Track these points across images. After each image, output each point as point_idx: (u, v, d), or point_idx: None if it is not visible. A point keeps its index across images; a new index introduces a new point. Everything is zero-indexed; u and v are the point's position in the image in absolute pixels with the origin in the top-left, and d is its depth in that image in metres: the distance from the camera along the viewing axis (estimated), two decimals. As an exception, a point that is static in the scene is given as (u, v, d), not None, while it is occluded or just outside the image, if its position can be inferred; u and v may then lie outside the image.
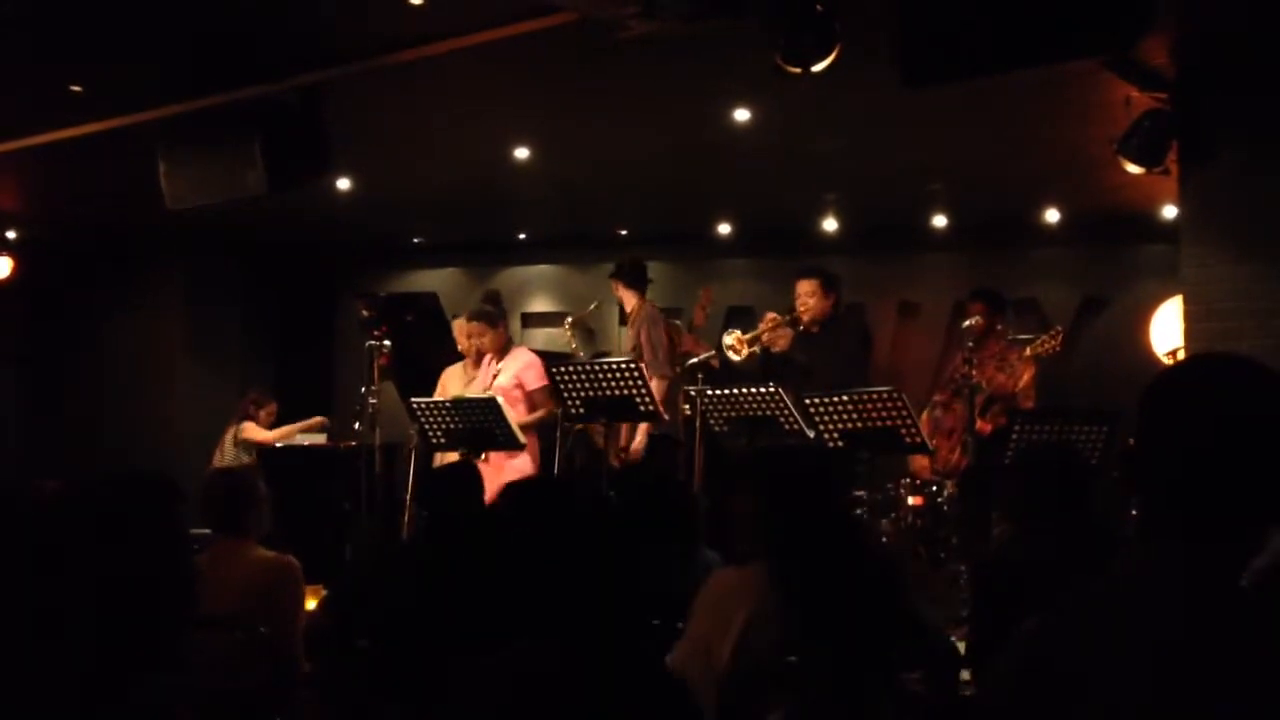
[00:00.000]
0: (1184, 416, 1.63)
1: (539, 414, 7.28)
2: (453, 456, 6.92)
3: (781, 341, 7.04)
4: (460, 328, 7.95)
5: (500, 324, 7.54)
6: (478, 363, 7.72)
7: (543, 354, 7.93)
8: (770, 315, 7.22)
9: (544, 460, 7.42)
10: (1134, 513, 6.51)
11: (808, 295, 7.14)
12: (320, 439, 9.71)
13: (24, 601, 1.98)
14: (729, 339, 7.15)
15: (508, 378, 7.28)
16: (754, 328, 7.24)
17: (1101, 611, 1.58)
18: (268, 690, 4.08)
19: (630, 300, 7.66)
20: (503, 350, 7.48)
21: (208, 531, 4.34)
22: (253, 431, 9.56)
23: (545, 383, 6.97)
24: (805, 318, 7.11)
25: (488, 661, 1.90)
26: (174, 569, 2.00)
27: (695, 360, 7.15)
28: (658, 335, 7.47)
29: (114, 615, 1.89)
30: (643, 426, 7.34)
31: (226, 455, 9.48)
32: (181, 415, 10.99)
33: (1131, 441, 1.72)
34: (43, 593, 1.95)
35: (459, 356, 8.03)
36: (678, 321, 9.83)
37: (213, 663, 3.92)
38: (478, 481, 4.59)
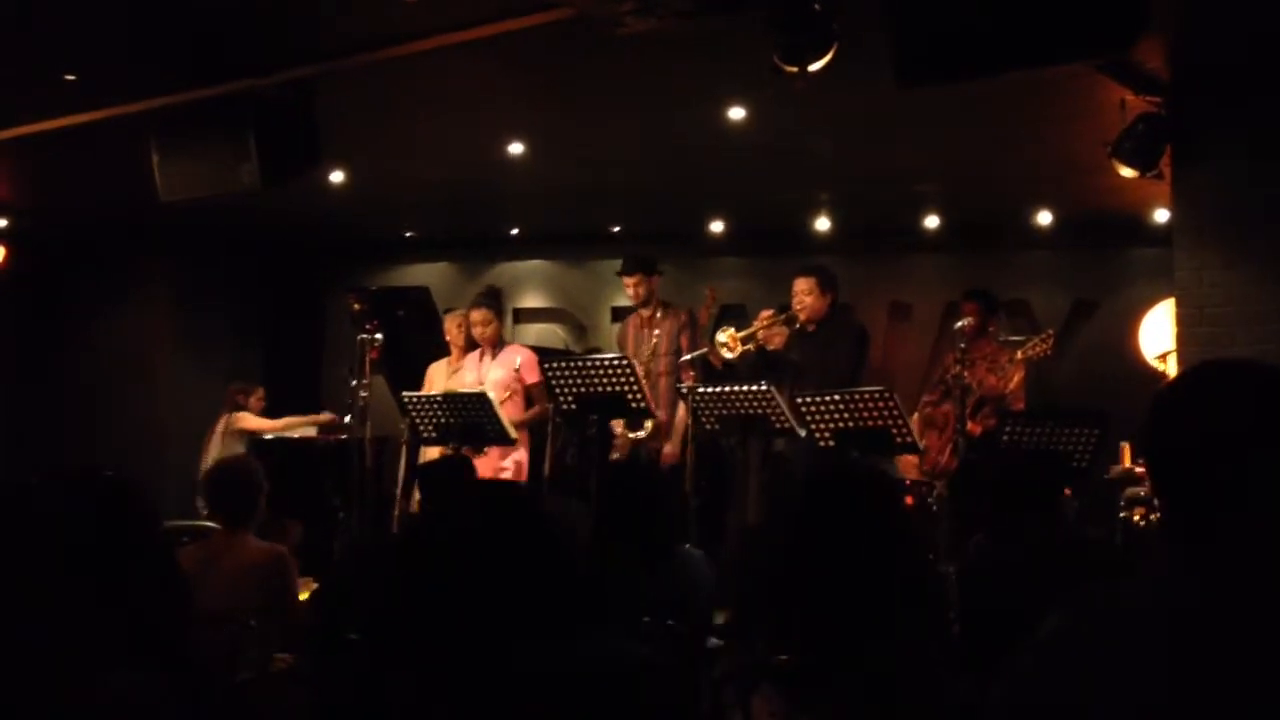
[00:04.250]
0: (1203, 422, 1.63)
1: (535, 410, 7.28)
2: (434, 452, 6.92)
3: (777, 339, 7.03)
4: (455, 319, 7.93)
5: (502, 315, 7.57)
6: (462, 357, 7.71)
7: (538, 350, 7.94)
8: (766, 313, 7.21)
9: (535, 457, 7.42)
10: (1123, 514, 6.54)
11: (804, 293, 7.13)
12: (310, 432, 9.70)
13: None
14: (722, 336, 7.12)
15: (505, 371, 7.26)
16: (748, 325, 7.23)
17: (1124, 615, 1.59)
18: (256, 683, 4.08)
19: (656, 300, 7.65)
20: (497, 345, 7.48)
21: (198, 524, 4.36)
22: (249, 421, 9.52)
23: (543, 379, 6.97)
24: (802, 316, 7.10)
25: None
26: (148, 566, 1.99)
27: (689, 357, 7.14)
28: (699, 347, 7.47)
29: (88, 610, 1.89)
30: (678, 430, 7.29)
31: (215, 447, 9.43)
32: (169, 408, 10.96)
33: (1137, 444, 1.75)
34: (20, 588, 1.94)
35: (447, 351, 8.02)
36: None
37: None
38: (471, 474, 4.59)
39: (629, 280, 7.67)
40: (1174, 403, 1.69)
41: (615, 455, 7.28)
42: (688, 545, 4.48)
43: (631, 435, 7.24)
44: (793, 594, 2.34)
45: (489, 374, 7.36)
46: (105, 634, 1.91)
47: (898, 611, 2.25)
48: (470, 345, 7.71)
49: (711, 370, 7.23)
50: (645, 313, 7.68)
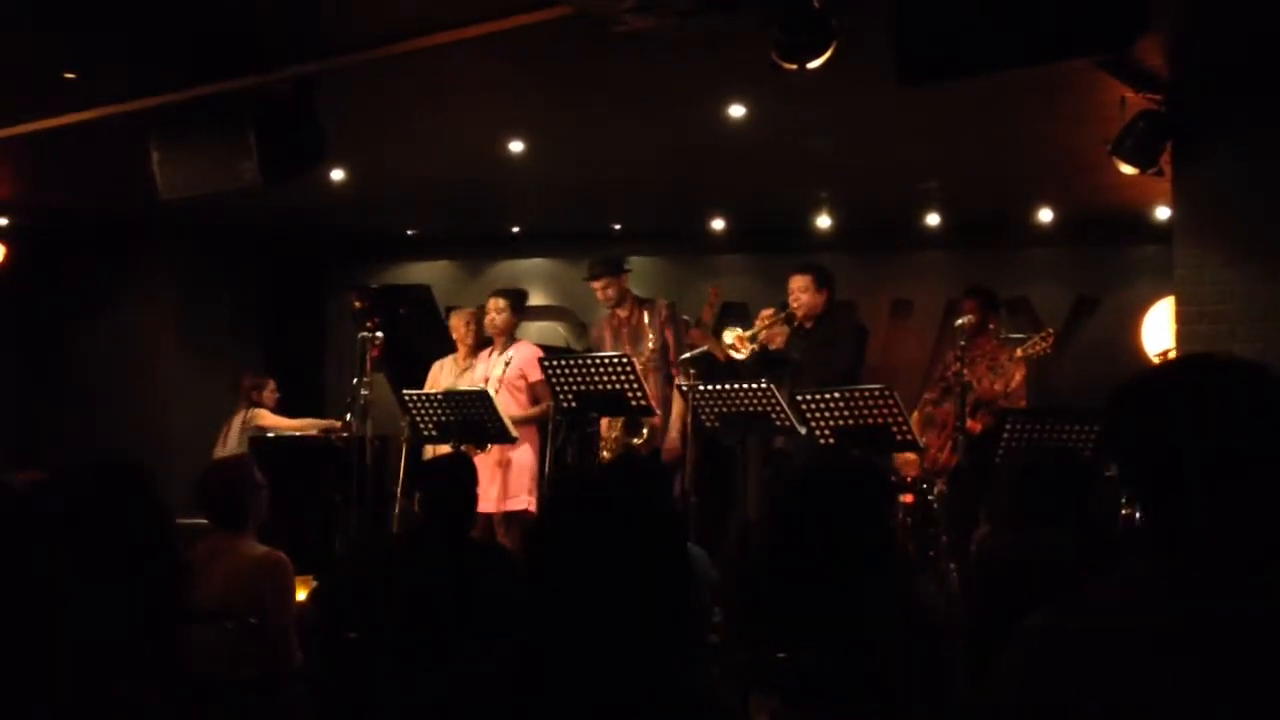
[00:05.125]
0: (1171, 419, 1.61)
1: (540, 408, 7.27)
2: (444, 449, 6.92)
3: (778, 339, 7.04)
4: (462, 316, 7.94)
5: (517, 311, 7.55)
6: (472, 354, 7.70)
7: (542, 348, 7.93)
8: (766, 312, 7.21)
9: (539, 454, 7.41)
10: (1124, 511, 6.54)
11: (801, 291, 7.14)
12: (312, 430, 9.70)
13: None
14: (729, 337, 7.13)
15: (513, 368, 7.27)
16: (750, 325, 7.24)
17: (1105, 616, 1.58)
18: (259, 681, 4.08)
19: (629, 298, 7.62)
20: (508, 340, 7.48)
21: (202, 521, 4.33)
22: (267, 418, 9.51)
23: None
24: (799, 313, 7.11)
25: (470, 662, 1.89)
26: (152, 559, 1.97)
27: (689, 355, 7.14)
28: (683, 337, 7.44)
29: (92, 609, 1.88)
30: (675, 423, 7.28)
31: (231, 443, 9.42)
32: (171, 406, 10.96)
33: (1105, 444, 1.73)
34: (19, 587, 1.93)
35: (450, 349, 8.02)
36: (686, 318, 9.83)
37: (204, 654, 3.92)
38: (471, 473, 4.59)
39: (597, 284, 7.59)
40: (1139, 401, 1.66)
41: (605, 455, 7.27)
42: (689, 543, 4.49)
43: (634, 440, 7.22)
44: (789, 590, 2.34)
45: (493, 369, 7.37)
46: (107, 632, 1.90)
47: (897, 604, 2.25)
48: (479, 343, 7.71)
49: (712, 368, 7.23)
50: (621, 312, 7.64)
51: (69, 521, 1.95)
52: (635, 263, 11.19)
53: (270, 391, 9.75)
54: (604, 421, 7.25)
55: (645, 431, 7.20)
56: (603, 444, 7.34)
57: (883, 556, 2.33)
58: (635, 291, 7.79)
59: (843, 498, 2.46)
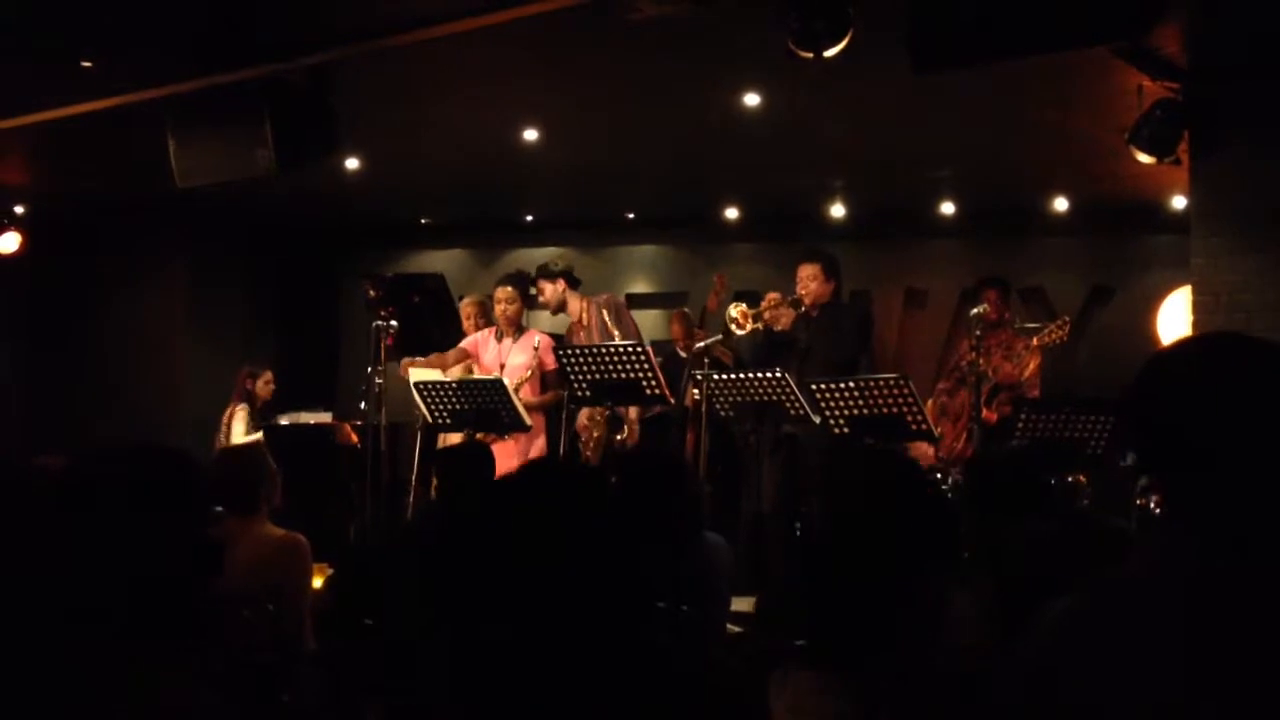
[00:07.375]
0: (1191, 396, 1.60)
1: (550, 395, 7.28)
2: (456, 438, 6.93)
3: (784, 320, 7.05)
4: (467, 307, 7.93)
5: (526, 298, 7.57)
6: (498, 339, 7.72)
7: (552, 336, 7.94)
8: (772, 295, 7.23)
9: (550, 442, 7.43)
10: (1139, 501, 6.53)
11: (809, 279, 7.16)
12: (326, 418, 9.71)
13: (35, 578, 1.98)
14: (733, 311, 7.14)
15: (527, 356, 7.27)
16: (758, 306, 7.26)
17: (1134, 599, 1.58)
18: (275, 666, 4.09)
19: (574, 300, 7.59)
20: (518, 329, 7.49)
21: (218, 509, 4.34)
22: (236, 422, 9.41)
23: None
24: (806, 300, 7.13)
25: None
26: (192, 541, 1.99)
27: (703, 345, 7.15)
28: (626, 324, 7.44)
29: (130, 589, 1.89)
30: (631, 415, 7.31)
31: (224, 435, 9.44)
32: (184, 394, 11.00)
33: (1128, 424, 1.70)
34: (55, 568, 1.95)
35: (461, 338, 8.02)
36: (687, 310, 9.83)
37: (224, 637, 3.94)
38: (489, 461, 4.61)
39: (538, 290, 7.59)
40: (1168, 380, 1.64)
41: (588, 454, 7.28)
42: (709, 531, 4.50)
43: (617, 437, 7.21)
44: (828, 575, 2.35)
45: (511, 359, 7.36)
46: (133, 608, 1.91)
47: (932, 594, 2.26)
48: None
49: (724, 362, 7.24)
50: (574, 315, 7.62)
51: (114, 502, 1.96)
52: (648, 251, 11.26)
53: (265, 383, 9.71)
54: (583, 416, 7.27)
55: (626, 429, 7.22)
56: (582, 441, 7.35)
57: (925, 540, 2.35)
58: (579, 293, 7.71)
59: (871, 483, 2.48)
